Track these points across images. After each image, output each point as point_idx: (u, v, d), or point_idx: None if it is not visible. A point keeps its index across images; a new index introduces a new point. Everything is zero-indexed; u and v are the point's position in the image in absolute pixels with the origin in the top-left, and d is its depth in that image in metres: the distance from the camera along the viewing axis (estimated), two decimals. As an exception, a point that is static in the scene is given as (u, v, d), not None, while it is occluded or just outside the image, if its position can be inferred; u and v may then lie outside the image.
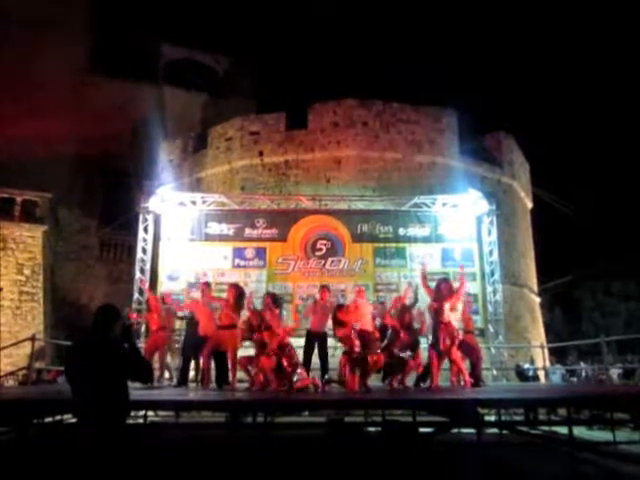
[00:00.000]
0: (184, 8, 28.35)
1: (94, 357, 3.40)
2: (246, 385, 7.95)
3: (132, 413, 7.32)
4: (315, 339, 8.56)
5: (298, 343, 10.55)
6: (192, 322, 8.90)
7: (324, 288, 8.83)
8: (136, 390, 5.84)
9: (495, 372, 12.12)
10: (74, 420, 3.60)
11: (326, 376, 8.09)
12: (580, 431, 7.19)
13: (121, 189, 21.55)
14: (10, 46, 23.03)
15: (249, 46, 30.57)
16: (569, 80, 41.41)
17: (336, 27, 37.96)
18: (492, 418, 7.34)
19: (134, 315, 10.26)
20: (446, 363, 8.16)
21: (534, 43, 44.02)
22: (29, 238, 18.62)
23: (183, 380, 8.60)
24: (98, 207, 22.63)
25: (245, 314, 8.09)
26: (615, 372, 14.19)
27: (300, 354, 8.11)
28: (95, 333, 3.52)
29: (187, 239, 12.19)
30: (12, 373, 13.52)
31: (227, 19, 30.58)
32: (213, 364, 8.15)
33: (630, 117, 40.69)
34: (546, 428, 7.65)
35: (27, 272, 18.41)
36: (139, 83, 26.10)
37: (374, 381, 8.04)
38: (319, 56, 30.87)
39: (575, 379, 15.55)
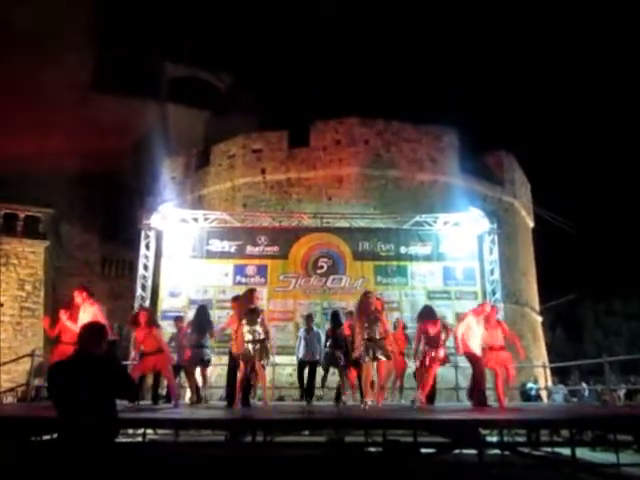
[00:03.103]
0: (187, 27, 28.71)
1: (81, 374, 3.39)
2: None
3: (131, 431, 7.27)
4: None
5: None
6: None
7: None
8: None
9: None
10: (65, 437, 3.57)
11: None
12: (583, 452, 7.10)
13: (123, 205, 21.62)
14: (14, 62, 23.29)
15: (251, 64, 30.92)
16: (570, 99, 41.72)
17: (338, 46, 38.40)
18: (494, 439, 7.27)
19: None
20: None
21: (535, 62, 44.44)
22: (31, 254, 18.65)
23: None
24: (100, 223, 22.70)
25: None
26: (619, 392, 14.09)
27: None
28: (81, 350, 3.52)
29: (189, 256, 12.19)
30: (11, 389, 13.44)
31: (230, 38, 30.93)
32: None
33: (633, 136, 40.84)
34: (548, 449, 7.57)
35: (28, 288, 18.41)
36: (142, 100, 26.32)
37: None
38: (321, 74, 31.17)
39: (577, 399, 15.44)
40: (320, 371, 9.34)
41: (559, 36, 42.28)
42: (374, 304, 7.67)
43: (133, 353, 9.34)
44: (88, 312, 7.63)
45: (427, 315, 8.71)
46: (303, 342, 9.42)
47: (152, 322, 8.10)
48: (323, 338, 9.32)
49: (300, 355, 9.35)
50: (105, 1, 27.00)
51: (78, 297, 7.86)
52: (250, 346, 7.27)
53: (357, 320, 7.59)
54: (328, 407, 8.30)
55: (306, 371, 9.34)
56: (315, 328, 9.73)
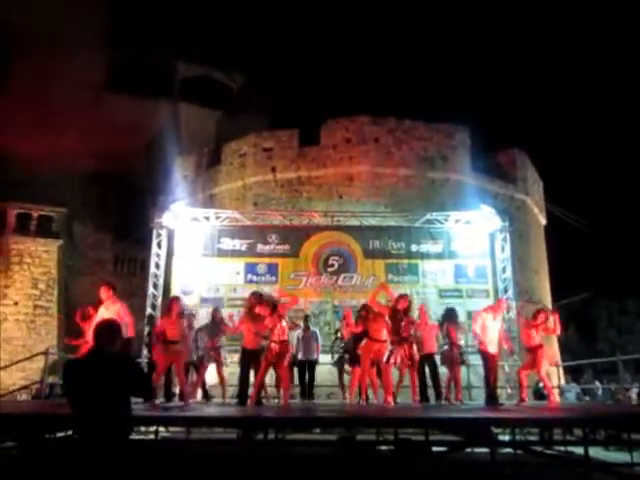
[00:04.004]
0: (199, 27, 28.79)
1: (96, 372, 3.40)
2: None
3: (143, 428, 7.32)
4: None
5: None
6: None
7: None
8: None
9: (510, 390, 11.96)
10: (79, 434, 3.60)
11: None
12: (596, 451, 7.04)
13: (135, 204, 21.75)
14: (29, 63, 23.49)
15: (263, 64, 30.93)
16: (583, 96, 41.32)
17: (349, 44, 38.32)
18: (506, 438, 7.24)
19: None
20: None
21: (547, 60, 44.07)
22: (44, 253, 18.82)
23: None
24: (112, 222, 22.84)
25: None
26: (632, 392, 13.97)
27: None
28: (96, 347, 3.54)
29: (200, 254, 12.21)
30: (25, 387, 13.58)
31: (241, 38, 30.98)
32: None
33: (645, 133, 40.38)
34: (561, 448, 7.52)
35: (42, 286, 18.58)
36: (155, 100, 26.47)
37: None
38: (331, 73, 31.12)
39: (590, 398, 15.32)
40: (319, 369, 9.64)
41: (571, 33, 41.90)
42: (403, 305, 7.85)
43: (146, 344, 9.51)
44: (111, 310, 7.69)
45: (452, 317, 8.95)
46: (301, 342, 9.66)
47: (182, 313, 8.22)
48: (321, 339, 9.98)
49: (298, 355, 9.72)
50: (117, 1, 27.16)
51: (104, 293, 7.92)
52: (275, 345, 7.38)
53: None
54: (339, 405, 8.30)
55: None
56: (312, 328, 9.99)
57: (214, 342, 9.18)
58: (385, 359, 7.61)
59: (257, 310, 7.78)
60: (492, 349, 8.14)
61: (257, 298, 8.16)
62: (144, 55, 26.95)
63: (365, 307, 8.21)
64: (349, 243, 12.38)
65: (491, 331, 8.19)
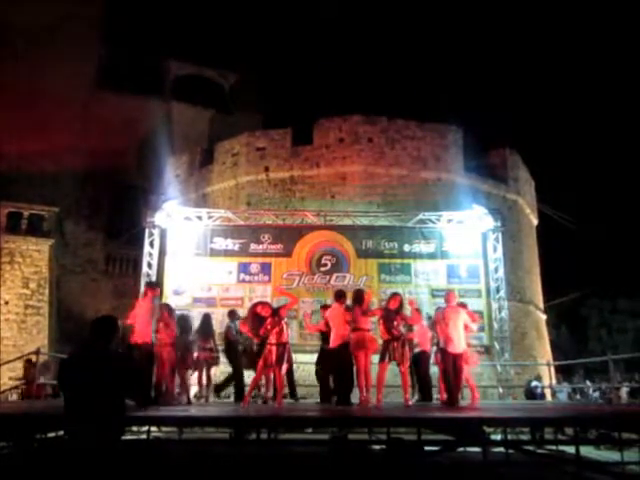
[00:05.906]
0: (192, 25, 28.71)
1: (92, 370, 3.35)
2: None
3: (135, 428, 7.29)
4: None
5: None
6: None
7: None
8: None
9: (501, 390, 12.01)
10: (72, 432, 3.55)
11: None
12: (588, 450, 7.08)
13: (127, 204, 21.64)
14: (20, 61, 23.32)
15: (256, 62, 30.89)
16: (574, 96, 41.53)
17: (342, 44, 38.34)
18: (498, 437, 7.26)
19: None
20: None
21: (539, 61, 44.28)
22: (35, 252, 18.66)
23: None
24: (104, 221, 22.73)
25: None
26: (623, 391, 14.07)
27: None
28: (93, 345, 3.47)
29: (193, 254, 12.19)
30: (16, 387, 13.49)
31: (234, 36, 30.92)
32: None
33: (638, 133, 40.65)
34: (553, 447, 7.55)
35: (33, 286, 18.42)
36: (147, 98, 26.30)
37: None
38: (325, 72, 31.15)
39: (581, 397, 15.43)
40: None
41: (563, 34, 42.13)
42: (393, 305, 7.80)
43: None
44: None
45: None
46: None
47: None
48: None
49: None
50: (109, -1, 27.00)
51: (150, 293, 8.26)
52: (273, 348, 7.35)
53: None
54: (330, 405, 8.30)
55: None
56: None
57: (205, 343, 9.16)
58: (380, 358, 7.60)
59: (259, 310, 7.76)
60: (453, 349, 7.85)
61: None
62: (136, 53, 26.81)
63: (357, 292, 8.09)
64: (342, 243, 12.40)
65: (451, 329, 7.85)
